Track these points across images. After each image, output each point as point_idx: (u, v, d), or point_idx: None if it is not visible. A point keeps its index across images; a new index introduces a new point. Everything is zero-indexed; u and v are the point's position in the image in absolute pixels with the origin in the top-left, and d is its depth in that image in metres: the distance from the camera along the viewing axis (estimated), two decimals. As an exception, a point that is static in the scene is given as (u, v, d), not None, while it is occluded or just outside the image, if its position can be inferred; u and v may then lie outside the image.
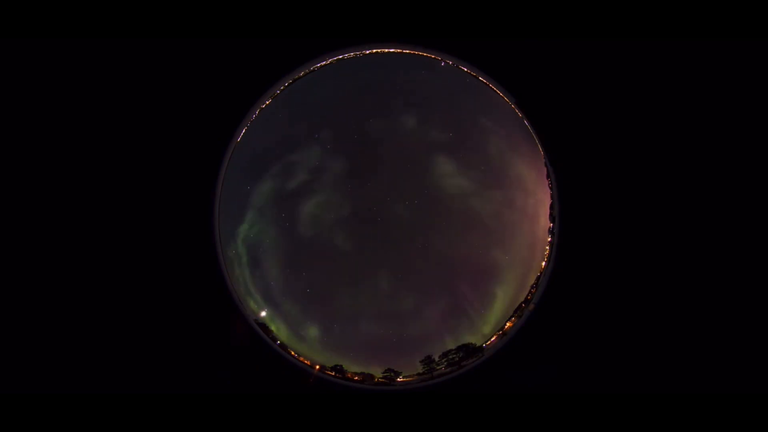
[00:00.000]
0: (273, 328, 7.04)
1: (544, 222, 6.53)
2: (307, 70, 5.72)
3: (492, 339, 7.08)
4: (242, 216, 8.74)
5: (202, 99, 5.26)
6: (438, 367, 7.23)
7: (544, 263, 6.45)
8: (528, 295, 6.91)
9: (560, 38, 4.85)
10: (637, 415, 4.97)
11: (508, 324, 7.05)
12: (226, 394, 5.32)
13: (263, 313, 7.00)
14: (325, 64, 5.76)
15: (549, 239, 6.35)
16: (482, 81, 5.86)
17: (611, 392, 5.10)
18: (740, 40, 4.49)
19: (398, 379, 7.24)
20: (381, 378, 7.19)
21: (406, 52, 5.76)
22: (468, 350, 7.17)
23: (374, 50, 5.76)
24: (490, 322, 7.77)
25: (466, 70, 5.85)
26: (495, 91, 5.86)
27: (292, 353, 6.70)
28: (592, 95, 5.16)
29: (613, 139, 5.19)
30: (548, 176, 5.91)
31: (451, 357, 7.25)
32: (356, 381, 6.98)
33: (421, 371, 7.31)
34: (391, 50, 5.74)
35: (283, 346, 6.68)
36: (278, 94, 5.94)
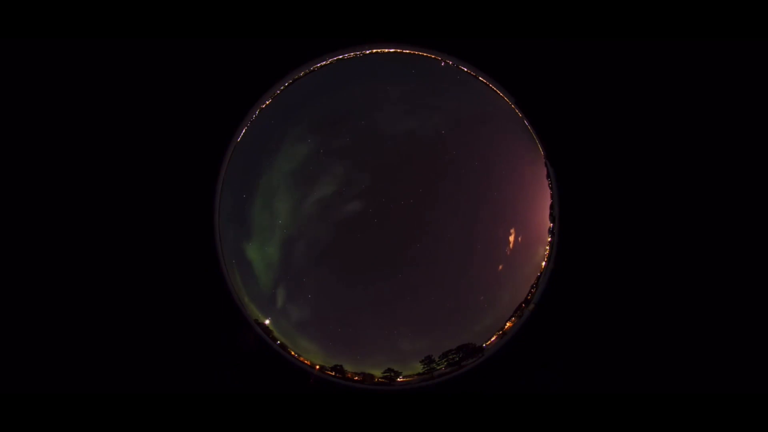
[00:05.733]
0: (274, 331, 7.03)
1: (544, 222, 6.52)
2: (307, 70, 5.71)
3: (492, 339, 7.07)
4: (242, 217, 8.73)
5: (202, 99, 5.26)
6: (438, 367, 7.22)
7: (544, 263, 6.44)
8: (528, 295, 6.90)
9: (560, 38, 4.85)
10: (637, 415, 4.98)
11: (508, 324, 7.05)
12: (226, 394, 5.32)
13: (267, 321, 6.99)
14: (325, 64, 5.76)
15: (549, 239, 6.34)
16: (482, 81, 5.85)
17: (611, 392, 5.11)
18: (740, 40, 4.49)
19: (398, 379, 7.24)
20: (381, 378, 7.19)
21: (406, 52, 5.76)
22: (468, 350, 7.17)
23: (374, 50, 5.75)
24: (490, 322, 7.77)
25: (466, 70, 5.85)
26: (495, 91, 5.86)
27: (293, 353, 6.70)
28: (592, 95, 5.16)
29: (613, 139, 5.19)
30: (548, 176, 5.91)
31: (451, 357, 7.24)
32: (356, 381, 6.97)
33: (421, 371, 7.30)
34: (391, 50, 5.74)
35: (283, 346, 6.67)
36: (278, 94, 5.93)
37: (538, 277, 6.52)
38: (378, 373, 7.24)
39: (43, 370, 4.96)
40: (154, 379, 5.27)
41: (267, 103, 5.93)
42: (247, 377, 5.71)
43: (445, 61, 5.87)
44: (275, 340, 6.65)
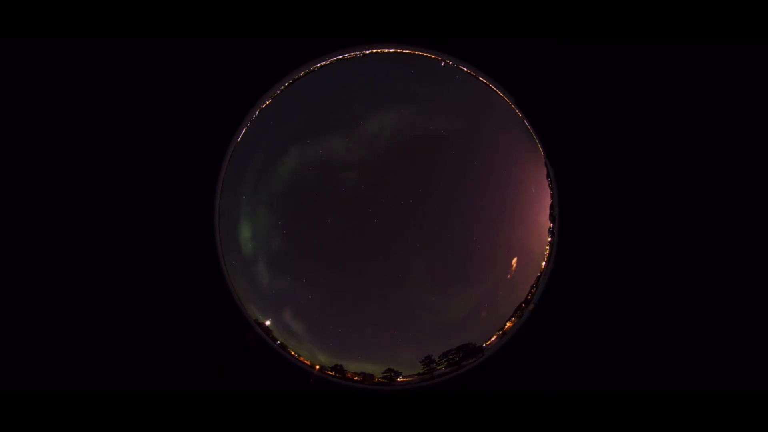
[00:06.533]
0: (274, 330, 7.02)
1: (544, 222, 6.52)
2: (306, 70, 5.72)
3: (492, 339, 7.07)
4: (242, 218, 8.73)
5: (202, 99, 5.26)
6: (438, 367, 7.22)
7: (544, 263, 6.44)
8: (528, 295, 6.90)
9: (559, 38, 4.85)
10: (637, 415, 4.98)
11: (508, 324, 7.04)
12: (226, 394, 5.32)
13: (267, 321, 6.98)
14: (325, 64, 5.76)
15: (549, 239, 6.34)
16: (482, 81, 5.85)
17: (611, 392, 5.11)
18: (740, 40, 4.49)
19: (398, 379, 7.24)
20: (381, 378, 7.19)
21: (406, 52, 5.76)
22: (468, 350, 7.16)
23: (374, 50, 5.75)
24: (490, 322, 7.76)
25: (466, 70, 5.85)
26: (495, 91, 5.86)
27: (292, 353, 6.70)
28: (592, 95, 5.16)
29: (614, 139, 5.19)
30: (548, 176, 5.91)
31: (451, 357, 7.24)
32: (356, 381, 6.97)
33: (421, 371, 7.30)
34: (391, 50, 5.74)
35: (283, 346, 6.67)
36: (278, 94, 5.93)
37: (538, 277, 6.52)
38: (378, 373, 7.24)
39: (43, 370, 4.96)
40: (154, 379, 5.27)
41: (267, 103, 5.93)
42: (247, 377, 5.71)
43: (445, 61, 5.87)
44: (275, 340, 6.65)
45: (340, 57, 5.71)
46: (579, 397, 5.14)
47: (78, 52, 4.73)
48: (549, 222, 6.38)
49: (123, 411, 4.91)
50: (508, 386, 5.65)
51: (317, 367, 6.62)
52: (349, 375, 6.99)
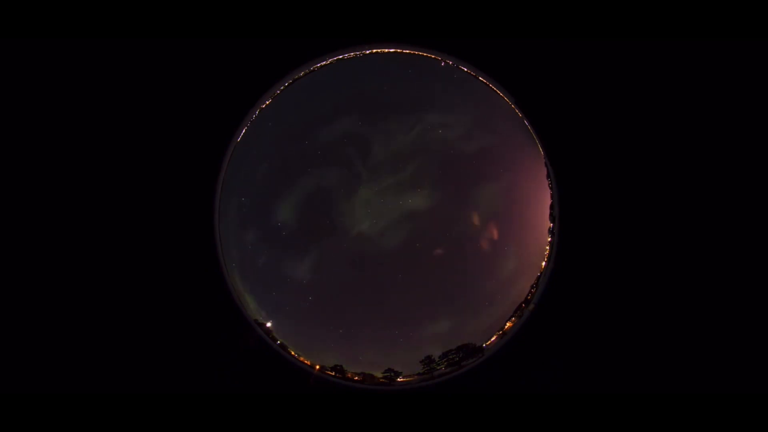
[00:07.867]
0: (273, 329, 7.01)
1: (544, 222, 6.52)
2: (306, 71, 5.72)
3: (492, 339, 7.08)
4: (242, 217, 8.74)
5: (202, 99, 5.26)
6: (438, 367, 7.22)
7: (544, 263, 6.44)
8: (528, 295, 6.90)
9: (559, 38, 4.85)
10: (637, 415, 4.98)
11: (508, 324, 7.05)
12: (226, 394, 5.32)
13: (268, 323, 6.98)
14: (325, 64, 5.76)
15: (549, 239, 6.34)
16: (482, 81, 5.85)
17: (611, 392, 5.11)
18: (740, 40, 4.49)
19: (398, 379, 7.24)
20: (381, 378, 7.19)
21: (406, 52, 5.76)
22: (468, 350, 7.17)
23: (374, 50, 5.75)
24: (490, 322, 7.76)
25: (466, 70, 5.85)
26: (495, 91, 5.86)
27: (292, 353, 6.70)
28: (592, 95, 5.16)
29: (614, 139, 5.20)
30: (548, 176, 5.91)
31: (451, 357, 7.24)
32: (356, 381, 6.97)
33: (421, 371, 7.30)
34: (391, 50, 5.74)
35: (283, 346, 6.67)
36: (278, 94, 5.93)
37: (538, 277, 6.52)
38: (378, 373, 7.24)
39: (43, 370, 4.96)
40: (154, 379, 5.27)
41: (267, 103, 5.93)
42: (247, 377, 5.72)
43: (445, 61, 5.87)
44: (275, 340, 6.65)
45: (340, 57, 5.71)
46: (579, 397, 5.14)
47: (78, 52, 4.73)
48: (549, 222, 6.38)
49: (123, 411, 4.91)
50: (508, 386, 5.65)
51: (317, 367, 6.61)
52: (349, 375, 6.99)
